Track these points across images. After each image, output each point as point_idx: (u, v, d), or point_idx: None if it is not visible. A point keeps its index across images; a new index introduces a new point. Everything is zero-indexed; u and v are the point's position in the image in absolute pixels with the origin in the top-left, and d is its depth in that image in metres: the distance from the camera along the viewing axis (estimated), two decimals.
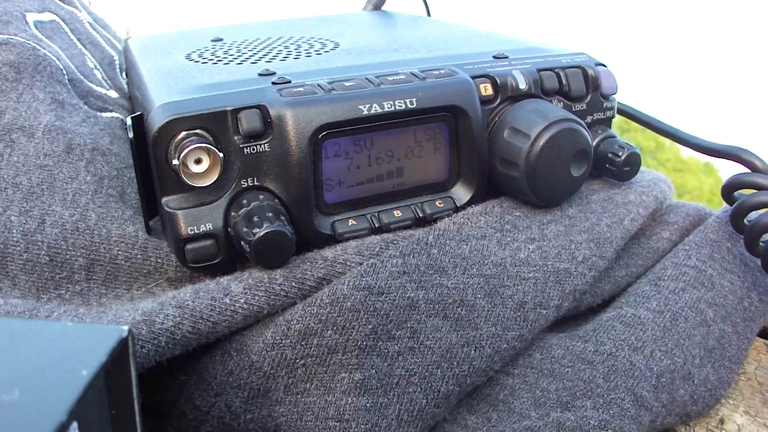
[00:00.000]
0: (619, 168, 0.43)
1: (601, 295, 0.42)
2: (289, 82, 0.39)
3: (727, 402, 0.41)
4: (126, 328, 0.26)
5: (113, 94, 0.54)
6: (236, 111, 0.37)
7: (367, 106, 0.38)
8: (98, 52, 0.59)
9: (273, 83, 0.39)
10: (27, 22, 0.52)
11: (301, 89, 0.38)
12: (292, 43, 0.50)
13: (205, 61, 0.46)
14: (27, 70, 0.47)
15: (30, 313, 0.37)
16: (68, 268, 0.40)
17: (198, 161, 0.36)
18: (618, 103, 0.48)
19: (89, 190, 0.42)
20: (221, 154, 0.36)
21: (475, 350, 0.36)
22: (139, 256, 0.40)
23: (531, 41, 0.49)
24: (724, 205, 0.45)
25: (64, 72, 0.49)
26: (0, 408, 0.21)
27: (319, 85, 0.39)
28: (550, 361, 0.38)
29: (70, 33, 0.57)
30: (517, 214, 0.41)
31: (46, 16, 0.56)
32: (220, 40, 0.53)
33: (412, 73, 0.40)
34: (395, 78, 0.40)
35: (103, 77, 0.56)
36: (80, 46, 0.57)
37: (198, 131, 0.36)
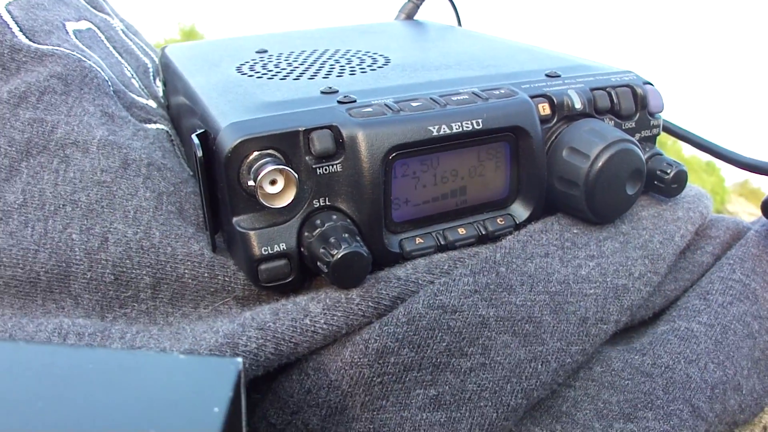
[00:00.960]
0: (667, 185, 0.44)
1: (653, 308, 0.43)
2: (355, 101, 0.40)
3: None
4: (240, 360, 0.27)
5: (152, 103, 0.54)
6: (308, 131, 0.37)
7: (436, 126, 0.38)
8: (133, 60, 0.59)
9: (339, 102, 0.40)
10: (67, 32, 0.51)
11: (369, 109, 0.39)
12: (341, 57, 0.51)
13: (259, 75, 0.46)
14: (75, 82, 0.46)
15: (102, 334, 0.37)
16: (134, 287, 0.40)
17: (273, 182, 0.36)
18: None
19: (150, 206, 0.42)
20: (296, 175, 0.36)
21: (541, 365, 0.38)
22: (206, 275, 0.40)
23: (577, 58, 0.50)
24: (762, 218, 0.47)
25: (110, 83, 0.49)
26: None
27: (386, 105, 0.39)
28: (610, 373, 0.40)
29: (105, 41, 0.56)
30: (575, 231, 0.42)
31: (83, 25, 0.55)
32: (265, 51, 0.53)
33: (474, 93, 0.41)
34: (459, 98, 0.40)
35: (140, 86, 0.56)
36: (116, 54, 0.56)
37: (270, 151, 0.37)
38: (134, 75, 0.56)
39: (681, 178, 0.45)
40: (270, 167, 0.35)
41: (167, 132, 0.50)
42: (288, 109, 0.39)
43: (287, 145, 0.37)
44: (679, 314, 0.42)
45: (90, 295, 0.40)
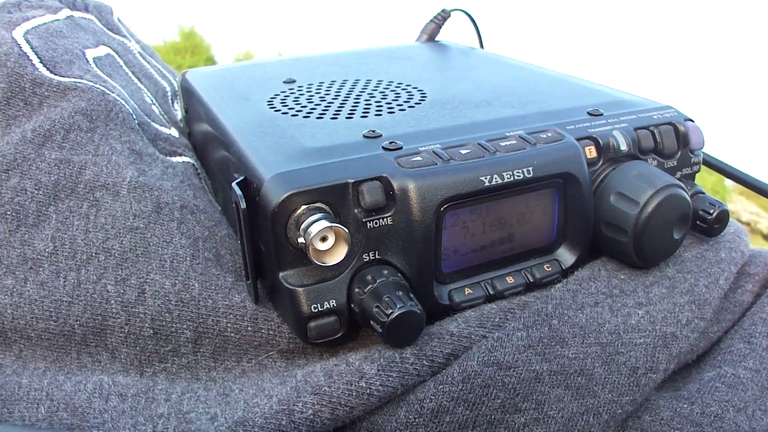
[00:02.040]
0: (710, 225, 0.44)
1: (697, 351, 0.43)
2: (401, 147, 0.39)
3: None
4: None
5: (175, 132, 0.52)
6: (358, 183, 0.36)
7: (488, 177, 0.37)
8: (152, 84, 0.57)
9: (384, 149, 0.39)
10: (88, 60, 0.49)
11: (419, 158, 0.38)
12: (375, 90, 0.49)
13: (294, 112, 0.45)
14: (100, 118, 0.45)
15: (145, 395, 0.36)
16: (174, 341, 0.38)
17: (323, 239, 0.35)
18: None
19: (187, 255, 0.40)
20: (347, 231, 0.35)
21: (593, 417, 0.37)
22: (249, 328, 0.39)
23: (615, 91, 0.49)
24: None
25: (134, 116, 0.47)
26: None
27: (435, 152, 0.38)
28: (659, 423, 0.39)
29: (124, 66, 0.54)
30: (622, 277, 0.41)
31: (102, 51, 0.53)
32: (293, 81, 0.51)
33: (521, 138, 0.40)
34: (507, 144, 0.39)
35: (160, 113, 0.54)
36: (136, 80, 0.54)
37: (318, 205, 0.36)
38: (154, 101, 0.54)
39: (723, 218, 0.44)
40: (322, 225, 0.34)
41: (193, 164, 0.49)
42: (333, 157, 0.38)
43: (336, 198, 0.36)
44: (724, 359, 0.42)
45: (128, 349, 0.38)
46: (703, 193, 0.45)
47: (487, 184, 0.37)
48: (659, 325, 0.40)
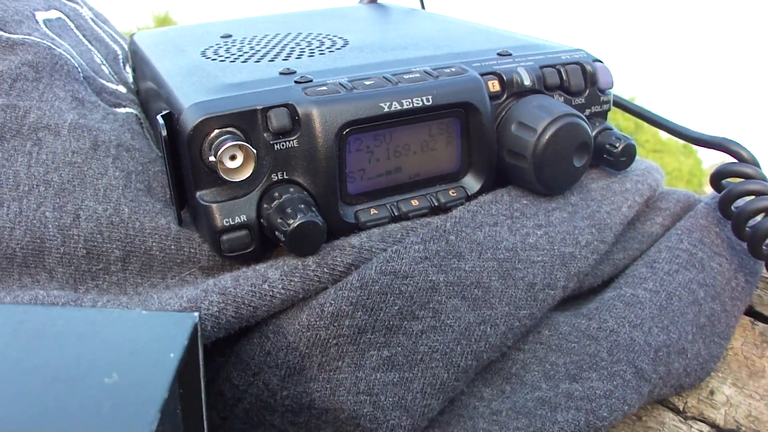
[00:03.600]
0: (616, 158, 0.46)
1: (602, 276, 0.45)
2: (311, 80, 0.42)
3: (716, 375, 0.45)
4: (197, 314, 0.29)
5: (122, 89, 0.56)
6: (266, 109, 0.39)
7: (388, 103, 0.40)
8: (103, 47, 0.61)
9: (296, 82, 0.42)
10: (37, 21, 0.53)
11: (324, 88, 0.41)
12: (302, 40, 0.53)
13: (222, 59, 0.48)
14: (45, 69, 0.48)
15: (74, 303, 0.39)
16: (105, 260, 0.42)
17: (233, 158, 0.38)
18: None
19: (119, 185, 0.44)
20: (254, 150, 0.38)
21: (490, 328, 0.40)
22: (172, 247, 0.42)
23: (530, 37, 0.52)
24: (712, 191, 0.49)
25: (80, 70, 0.51)
26: (105, 389, 0.24)
27: (340, 83, 0.41)
28: (557, 337, 0.42)
29: (75, 30, 0.58)
30: (524, 202, 0.44)
31: (53, 14, 0.57)
32: (229, 36, 0.55)
33: (425, 71, 0.43)
34: (411, 76, 0.42)
35: (110, 72, 0.58)
36: (86, 42, 0.58)
37: (230, 129, 0.39)
38: (104, 62, 0.58)
39: (629, 152, 0.47)
40: (230, 143, 0.37)
41: (136, 115, 0.52)
42: (247, 90, 0.41)
43: (246, 123, 0.39)
44: (626, 281, 0.44)
45: (63, 268, 0.42)
46: (611, 128, 0.48)
47: (386, 110, 0.40)
48: (558, 245, 0.42)
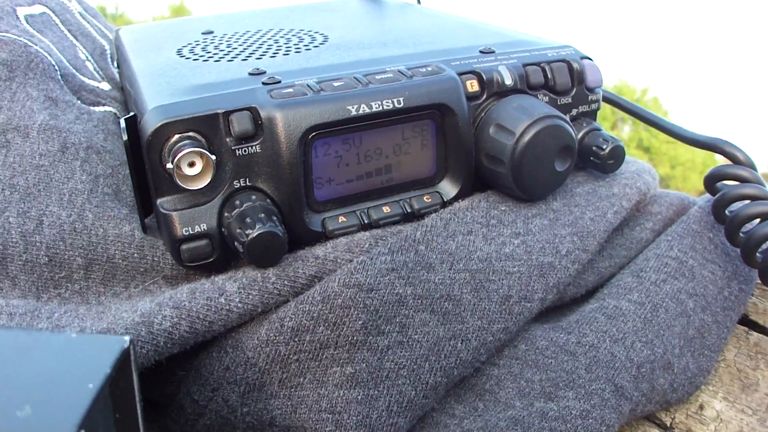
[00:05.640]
0: (603, 161, 0.44)
1: (585, 286, 0.43)
2: (279, 82, 0.40)
3: (706, 388, 0.42)
4: (128, 338, 0.28)
5: (105, 86, 0.55)
6: (227, 113, 0.37)
7: (355, 106, 0.38)
8: (89, 42, 0.59)
9: (263, 83, 0.40)
10: (18, 17, 0.52)
11: (290, 90, 0.39)
12: (281, 37, 0.51)
13: (196, 57, 0.47)
14: (20, 67, 0.47)
15: (32, 314, 0.38)
16: (67, 268, 0.41)
17: (191, 164, 0.37)
18: (604, 91, 0.49)
19: (85, 189, 0.43)
20: (213, 157, 0.37)
21: (461, 343, 0.38)
22: (135, 255, 0.41)
23: (518, 33, 0.49)
24: (707, 194, 0.46)
25: (56, 68, 0.50)
26: (16, 423, 0.23)
27: (308, 85, 0.39)
28: (534, 352, 0.40)
29: (60, 24, 0.57)
30: (502, 208, 0.42)
31: (37, 9, 0.56)
32: (211, 32, 0.53)
33: (399, 71, 0.41)
34: (383, 77, 0.40)
35: (95, 68, 0.56)
36: (71, 37, 0.57)
37: (190, 134, 0.37)
38: (89, 58, 0.57)
39: (617, 154, 0.44)
40: (186, 150, 0.36)
41: (115, 114, 0.51)
42: (212, 92, 0.39)
43: (208, 127, 0.37)
44: (609, 292, 0.42)
45: (26, 276, 0.41)
46: (599, 129, 0.45)
47: (354, 113, 0.38)
48: (536, 255, 0.40)
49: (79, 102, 0.49)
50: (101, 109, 0.51)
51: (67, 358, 0.27)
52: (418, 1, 0.66)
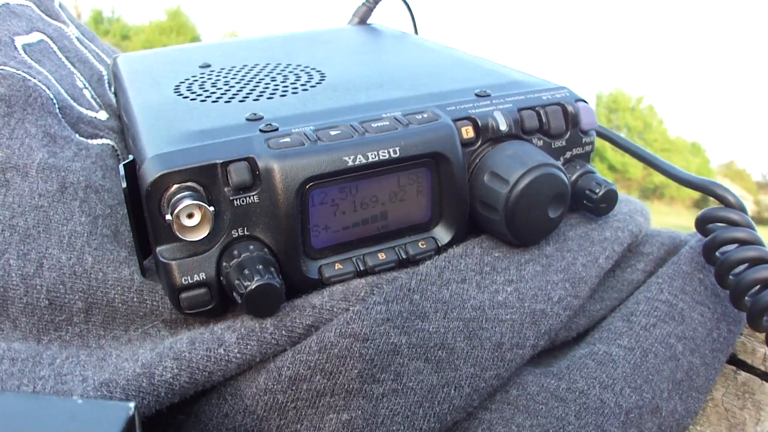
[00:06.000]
0: (596, 204, 0.45)
1: (576, 330, 0.44)
2: (276, 129, 0.41)
3: (694, 428, 0.43)
4: (132, 405, 0.28)
5: (102, 115, 0.55)
6: (226, 164, 0.38)
7: (352, 157, 0.39)
8: (87, 69, 0.60)
9: (261, 131, 0.41)
10: (16, 47, 0.52)
11: (288, 139, 0.39)
12: (278, 74, 0.51)
13: (194, 97, 0.47)
14: (18, 103, 0.48)
15: (33, 360, 0.39)
16: (67, 311, 0.41)
17: (190, 215, 0.37)
18: (600, 127, 0.49)
19: (84, 231, 0.43)
20: (212, 209, 0.37)
21: (454, 390, 0.39)
22: (135, 300, 0.41)
23: (514, 72, 0.50)
24: (697, 234, 0.47)
25: (55, 101, 0.50)
26: None
27: (305, 134, 0.40)
28: (525, 397, 0.41)
29: (58, 52, 0.57)
30: (496, 254, 0.42)
31: (35, 37, 0.56)
32: (208, 66, 0.53)
33: (395, 118, 0.41)
34: (379, 124, 0.41)
35: (92, 96, 0.57)
36: (69, 65, 0.57)
37: (189, 184, 0.38)
38: (87, 85, 0.57)
39: (610, 198, 0.45)
40: (185, 203, 0.36)
41: (113, 147, 0.51)
42: (210, 139, 0.40)
43: (206, 177, 0.38)
44: (600, 337, 0.43)
45: (27, 318, 0.42)
46: (593, 172, 0.46)
47: (350, 163, 0.39)
48: (528, 302, 0.41)
49: (77, 136, 0.50)
50: (99, 141, 0.51)
51: (74, 426, 0.27)
52: (415, 30, 0.66)
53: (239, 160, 0.38)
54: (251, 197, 0.39)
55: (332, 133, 0.40)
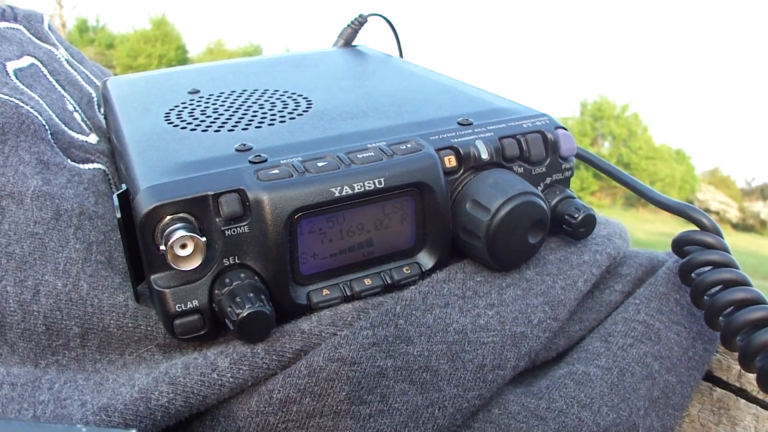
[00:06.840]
0: (575, 229, 0.46)
1: (556, 350, 0.46)
2: (266, 161, 0.42)
3: None
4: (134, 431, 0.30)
5: (93, 138, 0.56)
6: (217, 196, 0.39)
7: (338, 188, 0.41)
8: (77, 91, 0.61)
9: (250, 162, 0.42)
10: (8, 73, 0.54)
11: (276, 171, 0.41)
12: (266, 101, 0.53)
13: (184, 125, 0.49)
14: (11, 130, 0.49)
15: (32, 384, 0.40)
16: (64, 336, 0.43)
17: (183, 246, 0.38)
18: (580, 149, 0.51)
19: (79, 258, 0.44)
20: (204, 239, 0.39)
21: (438, 410, 0.40)
22: (129, 325, 0.43)
23: (496, 98, 0.51)
24: (674, 255, 0.49)
25: (47, 127, 0.51)
26: None
27: (293, 165, 0.41)
28: (506, 416, 0.42)
29: (48, 75, 0.59)
30: (478, 279, 0.44)
31: (25, 61, 0.57)
32: (197, 92, 0.55)
33: (380, 149, 0.43)
34: (364, 155, 0.42)
35: (82, 119, 0.58)
36: (59, 88, 0.59)
37: (182, 215, 0.39)
38: (77, 108, 0.58)
39: (589, 222, 0.46)
40: (179, 234, 0.38)
41: (104, 171, 0.53)
42: (201, 171, 0.41)
43: (198, 209, 0.39)
44: (579, 357, 0.45)
45: (24, 343, 0.43)
46: (572, 197, 0.47)
47: (337, 194, 0.41)
48: (509, 325, 0.42)
49: (69, 161, 0.51)
50: (90, 166, 0.52)
51: None
52: (400, 50, 0.68)
53: (230, 191, 0.40)
54: (242, 227, 0.40)
55: (319, 164, 0.41)
